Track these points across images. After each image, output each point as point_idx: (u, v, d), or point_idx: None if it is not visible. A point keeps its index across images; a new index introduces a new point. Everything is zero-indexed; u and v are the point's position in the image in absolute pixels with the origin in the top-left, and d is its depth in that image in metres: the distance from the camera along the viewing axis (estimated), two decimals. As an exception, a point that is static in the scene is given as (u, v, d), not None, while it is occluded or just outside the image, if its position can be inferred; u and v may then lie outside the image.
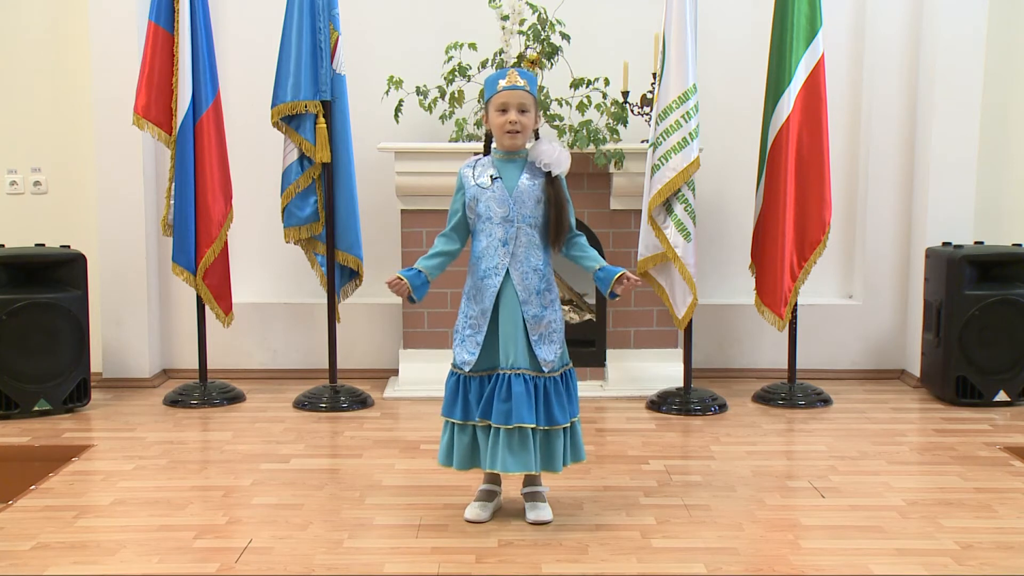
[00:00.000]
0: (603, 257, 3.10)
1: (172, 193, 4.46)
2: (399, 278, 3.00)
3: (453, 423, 3.03)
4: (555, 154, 2.99)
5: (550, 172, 3.01)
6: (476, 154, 3.13)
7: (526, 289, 2.98)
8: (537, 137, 3.06)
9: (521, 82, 2.96)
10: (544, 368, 2.97)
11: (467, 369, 2.99)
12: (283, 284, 5.17)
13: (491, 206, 2.98)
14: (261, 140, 4.88)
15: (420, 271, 3.03)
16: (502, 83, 2.96)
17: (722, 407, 4.43)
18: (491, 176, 3.00)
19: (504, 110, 2.96)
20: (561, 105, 4.68)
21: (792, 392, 4.56)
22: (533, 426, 2.93)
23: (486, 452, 2.98)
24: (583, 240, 3.10)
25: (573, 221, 3.08)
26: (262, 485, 3.38)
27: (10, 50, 4.85)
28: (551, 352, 2.99)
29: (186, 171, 4.42)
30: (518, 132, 2.96)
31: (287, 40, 4.36)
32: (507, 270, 2.97)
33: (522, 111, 2.96)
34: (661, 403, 4.43)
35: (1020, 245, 4.57)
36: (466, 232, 3.08)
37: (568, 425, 3.02)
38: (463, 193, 3.03)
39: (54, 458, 3.67)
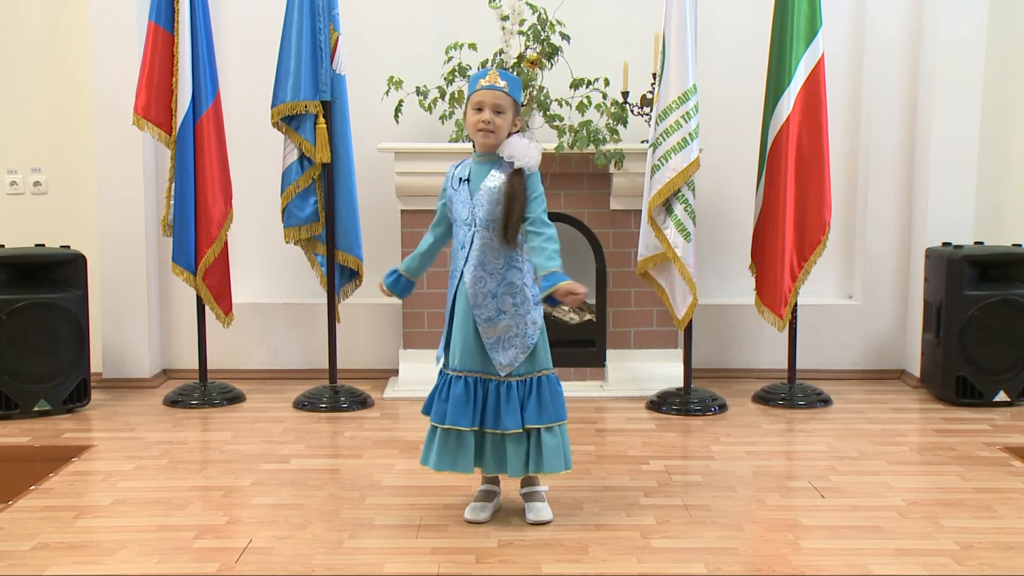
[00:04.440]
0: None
1: (172, 193, 4.46)
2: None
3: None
4: (521, 146, 2.92)
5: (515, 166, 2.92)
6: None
7: (477, 293, 2.95)
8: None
9: (501, 83, 2.92)
10: (501, 372, 2.95)
11: (439, 364, 3.07)
12: (283, 284, 5.17)
13: (457, 208, 3.00)
14: (261, 140, 4.88)
15: (400, 275, 3.16)
16: (482, 82, 2.93)
17: (722, 407, 4.43)
18: (459, 178, 3.00)
19: (480, 109, 2.92)
20: (561, 105, 4.68)
21: (792, 392, 4.56)
22: (463, 428, 2.91)
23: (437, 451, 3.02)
24: (548, 233, 2.90)
25: (537, 213, 2.91)
26: (262, 485, 3.38)
27: (10, 50, 4.85)
28: (507, 356, 2.95)
29: (186, 171, 4.42)
30: (490, 132, 2.91)
31: (287, 40, 4.36)
32: (462, 272, 2.98)
33: (497, 112, 2.91)
34: (661, 403, 4.43)
35: (1020, 245, 4.57)
36: (448, 225, 3.10)
37: (520, 431, 2.94)
38: (445, 192, 3.06)
39: (54, 458, 3.67)
